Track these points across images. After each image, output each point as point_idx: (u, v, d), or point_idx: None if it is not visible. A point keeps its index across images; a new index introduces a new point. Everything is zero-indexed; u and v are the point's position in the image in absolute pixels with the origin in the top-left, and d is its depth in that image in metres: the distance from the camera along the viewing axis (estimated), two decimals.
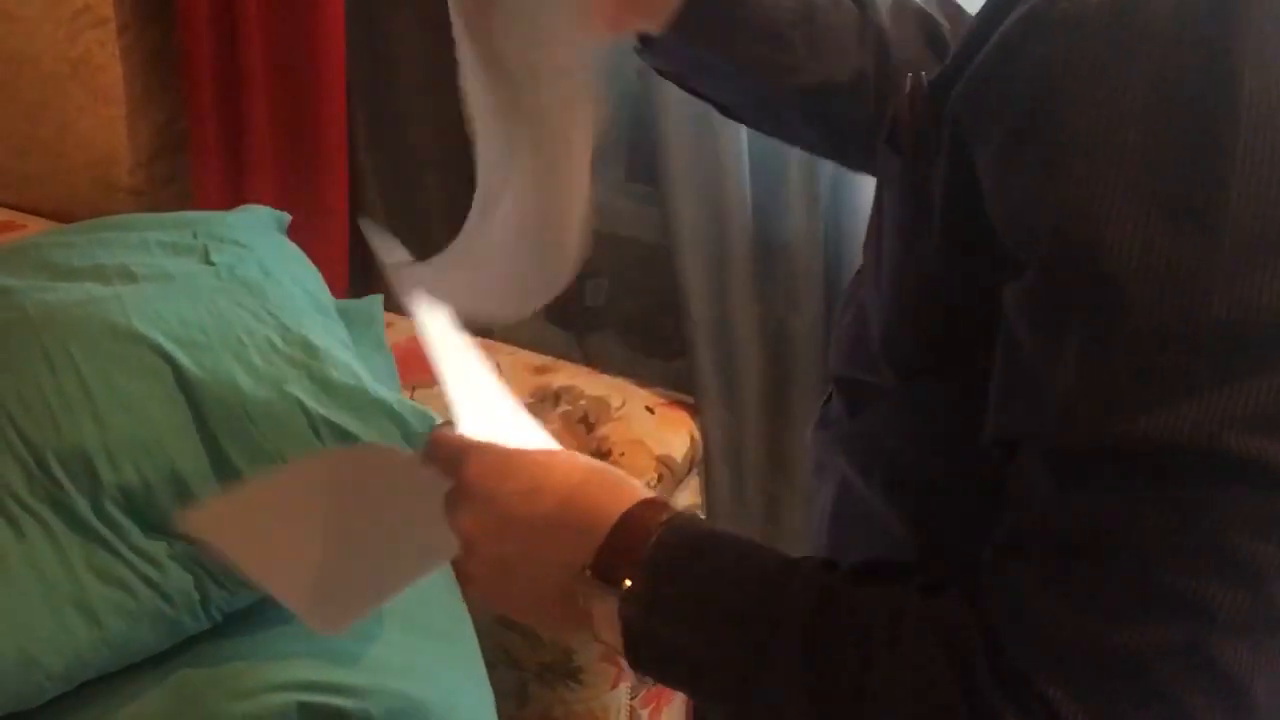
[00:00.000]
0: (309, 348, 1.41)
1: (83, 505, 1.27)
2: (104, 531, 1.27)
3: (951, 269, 0.73)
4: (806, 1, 1.02)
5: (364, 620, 1.07)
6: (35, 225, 1.99)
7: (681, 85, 1.09)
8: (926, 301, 0.76)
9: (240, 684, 1.30)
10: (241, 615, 1.34)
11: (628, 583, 0.78)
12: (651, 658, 0.80)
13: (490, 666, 1.49)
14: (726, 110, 1.12)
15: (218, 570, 1.30)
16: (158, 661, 1.32)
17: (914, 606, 0.72)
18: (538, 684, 1.70)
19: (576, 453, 0.87)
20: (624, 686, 1.71)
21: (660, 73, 1.09)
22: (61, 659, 1.26)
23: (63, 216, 2.00)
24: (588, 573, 0.79)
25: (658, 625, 0.78)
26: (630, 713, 1.73)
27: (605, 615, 0.79)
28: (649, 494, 0.82)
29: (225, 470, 1.27)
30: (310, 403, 1.34)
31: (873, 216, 0.85)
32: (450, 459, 0.87)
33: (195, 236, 1.58)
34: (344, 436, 1.34)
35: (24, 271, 1.45)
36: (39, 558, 1.26)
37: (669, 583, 0.77)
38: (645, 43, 1.03)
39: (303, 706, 1.29)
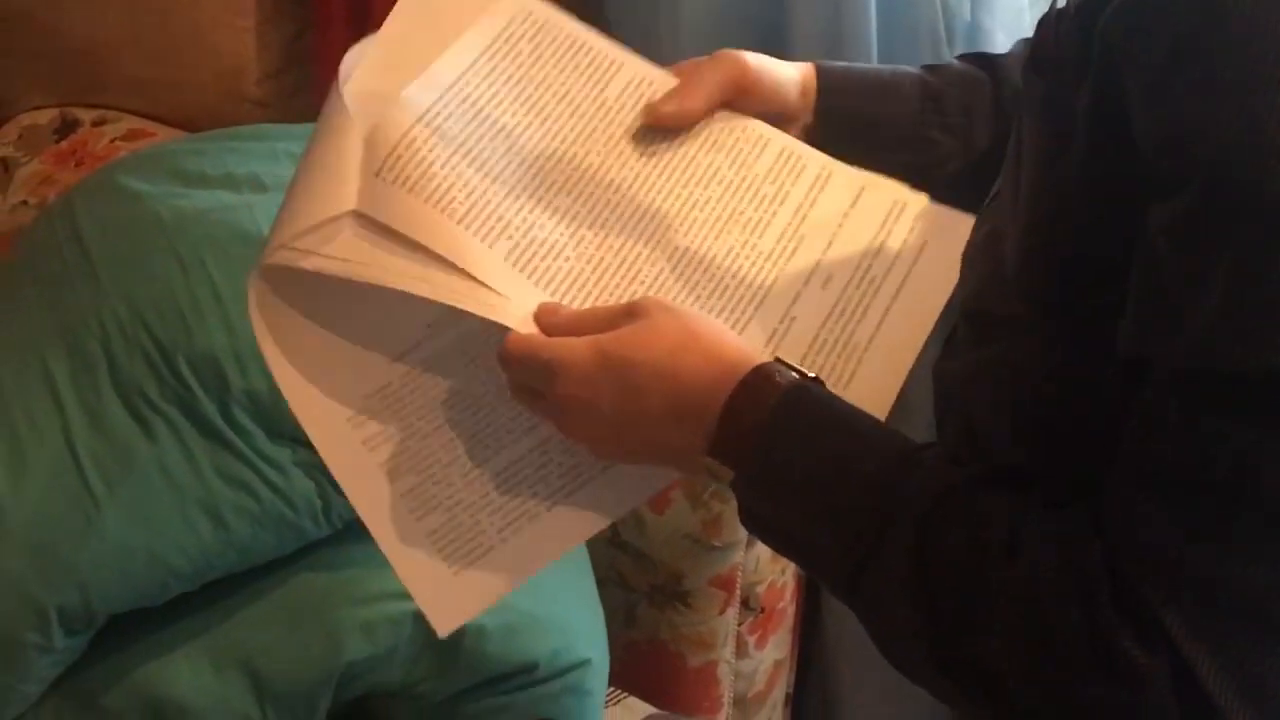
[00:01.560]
0: None
1: (211, 409, 1.29)
2: (231, 436, 1.29)
3: (1091, 194, 0.72)
4: (927, 92, 1.01)
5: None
6: (164, 134, 2.01)
7: None
8: (1063, 228, 0.74)
9: (358, 590, 1.33)
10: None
11: (743, 467, 0.80)
12: (766, 536, 0.83)
13: (600, 585, 1.50)
14: None
15: None
16: (279, 565, 1.35)
17: (1038, 517, 0.71)
18: (646, 605, 1.71)
19: (653, 321, 0.84)
20: (731, 612, 1.71)
21: None
22: (187, 558, 1.29)
23: (189, 126, 2.01)
24: (707, 459, 0.81)
25: (772, 510, 0.80)
26: (737, 638, 1.74)
27: (726, 486, 0.82)
28: (748, 360, 0.82)
29: None
30: None
31: (1012, 144, 0.83)
32: (533, 376, 0.86)
33: None
34: None
35: (157, 178, 1.47)
36: (168, 459, 1.28)
37: (784, 473, 0.79)
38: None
39: (419, 615, 1.30)
